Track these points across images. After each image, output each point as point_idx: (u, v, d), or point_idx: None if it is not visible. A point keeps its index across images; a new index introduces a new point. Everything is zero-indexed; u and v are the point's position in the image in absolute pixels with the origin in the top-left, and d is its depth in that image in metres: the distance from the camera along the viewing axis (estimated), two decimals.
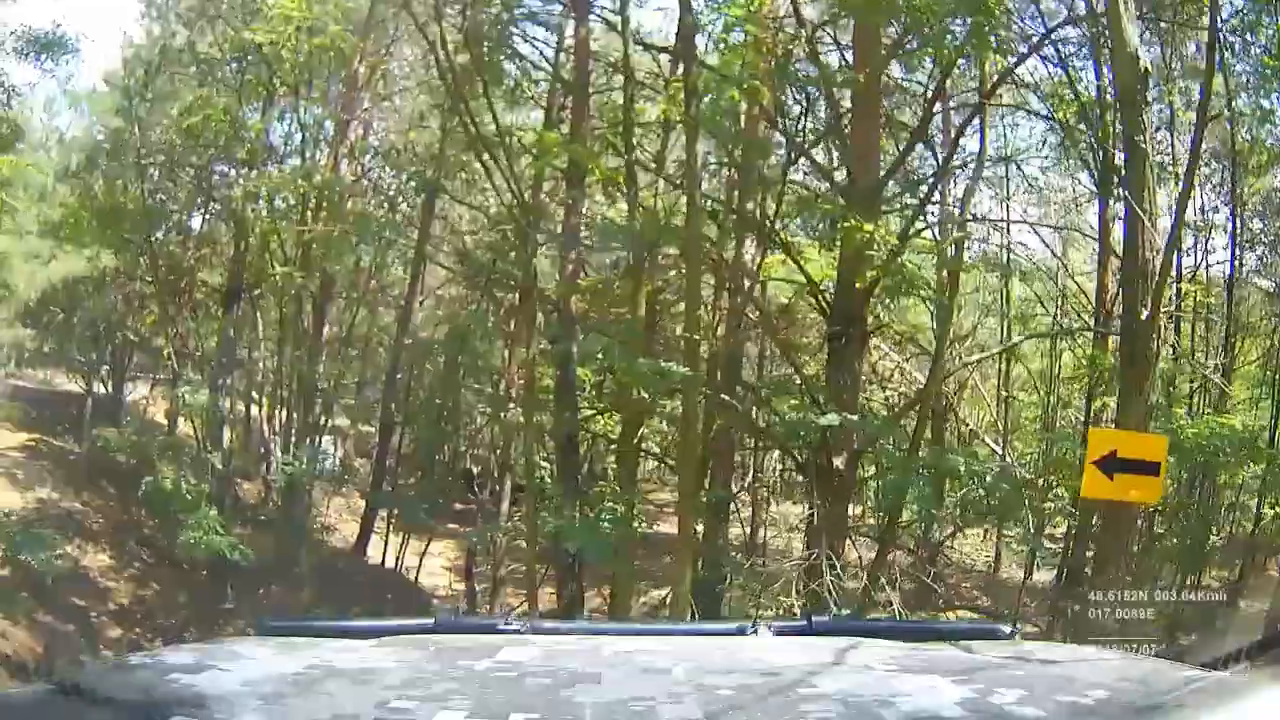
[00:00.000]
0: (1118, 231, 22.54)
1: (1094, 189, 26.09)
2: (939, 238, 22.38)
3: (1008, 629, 4.56)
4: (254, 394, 32.26)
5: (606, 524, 19.91)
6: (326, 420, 30.10)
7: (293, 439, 28.63)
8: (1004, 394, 31.98)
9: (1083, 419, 26.97)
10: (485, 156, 23.11)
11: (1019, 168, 28.30)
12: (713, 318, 23.35)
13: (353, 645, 3.78)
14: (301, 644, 3.84)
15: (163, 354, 30.25)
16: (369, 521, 32.00)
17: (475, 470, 35.02)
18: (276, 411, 31.22)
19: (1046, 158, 28.45)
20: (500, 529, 29.67)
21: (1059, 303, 31.25)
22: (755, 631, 4.26)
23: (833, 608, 17.37)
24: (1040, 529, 24.09)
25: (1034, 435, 32.21)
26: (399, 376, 31.96)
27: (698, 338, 20.10)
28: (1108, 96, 22.80)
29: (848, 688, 3.26)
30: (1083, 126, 24.50)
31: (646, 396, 21.80)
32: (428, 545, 32.14)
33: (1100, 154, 23.53)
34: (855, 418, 19.74)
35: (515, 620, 4.36)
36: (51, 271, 31.85)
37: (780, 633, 4.27)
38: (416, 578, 31.60)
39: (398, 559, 31.71)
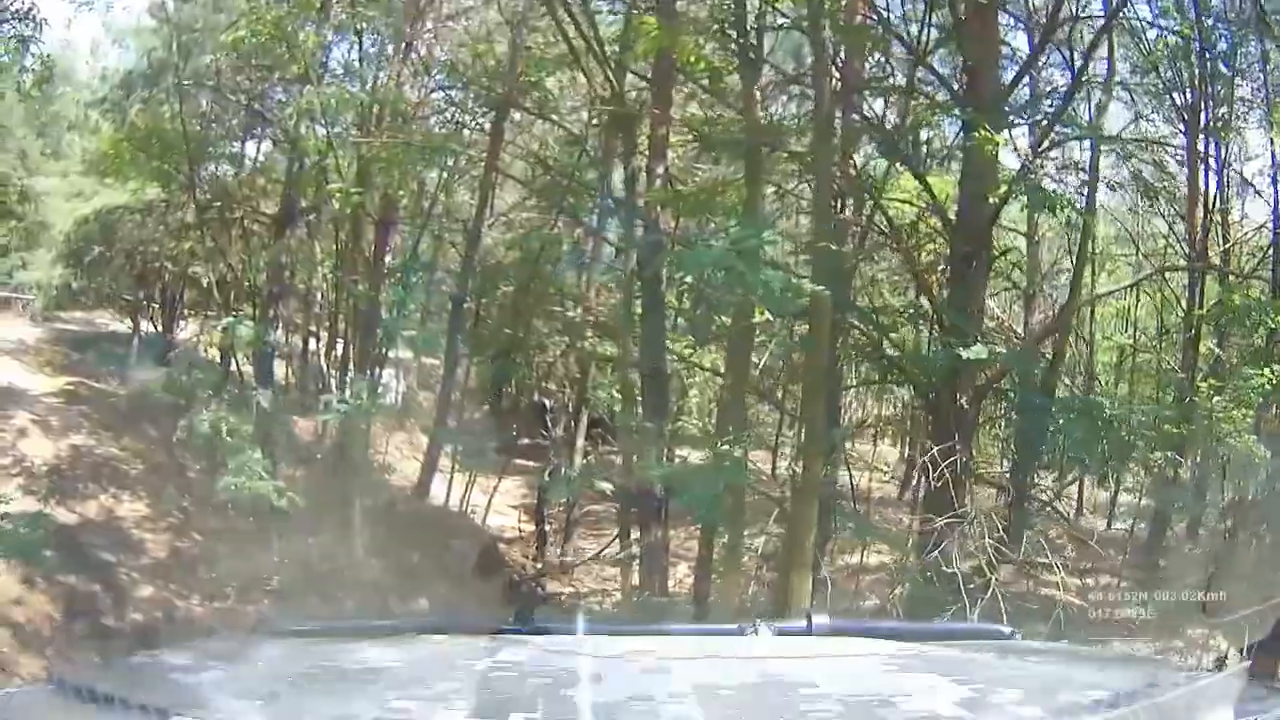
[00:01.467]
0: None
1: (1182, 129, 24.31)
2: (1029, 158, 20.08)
3: (1007, 630, 4.59)
4: (311, 326, 29.90)
5: (715, 470, 16.97)
6: (388, 352, 26.77)
7: (351, 372, 25.31)
8: (1090, 335, 29.09)
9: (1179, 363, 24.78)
10: (571, 60, 21.46)
11: (1130, 93, 25.29)
12: None
13: (353, 645, 3.71)
14: (302, 644, 3.81)
15: (211, 286, 27.32)
16: (432, 459, 28.11)
17: (548, 404, 31.57)
18: (335, 344, 28.57)
19: (1158, 82, 25.02)
20: (573, 473, 26.91)
21: (1143, 242, 28.40)
22: (755, 632, 4.10)
23: (957, 563, 16.27)
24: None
25: (1109, 377, 30.73)
26: (466, 305, 28.12)
27: (833, 245, 17.78)
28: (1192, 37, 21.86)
29: (848, 688, 3.20)
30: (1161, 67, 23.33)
31: (770, 319, 19.35)
32: (498, 484, 28.91)
33: (1193, 90, 23.03)
34: (1001, 349, 18.11)
35: (515, 620, 4.24)
36: (93, 207, 29.23)
37: (780, 633, 4.13)
38: (485, 519, 28.33)
39: (463, 499, 28.11)
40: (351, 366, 25.79)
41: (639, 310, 21.64)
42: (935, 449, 17.57)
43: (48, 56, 24.30)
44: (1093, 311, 28.39)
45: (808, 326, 17.75)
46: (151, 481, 23.87)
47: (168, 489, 23.74)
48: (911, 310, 22.11)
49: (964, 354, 16.76)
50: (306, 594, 20.39)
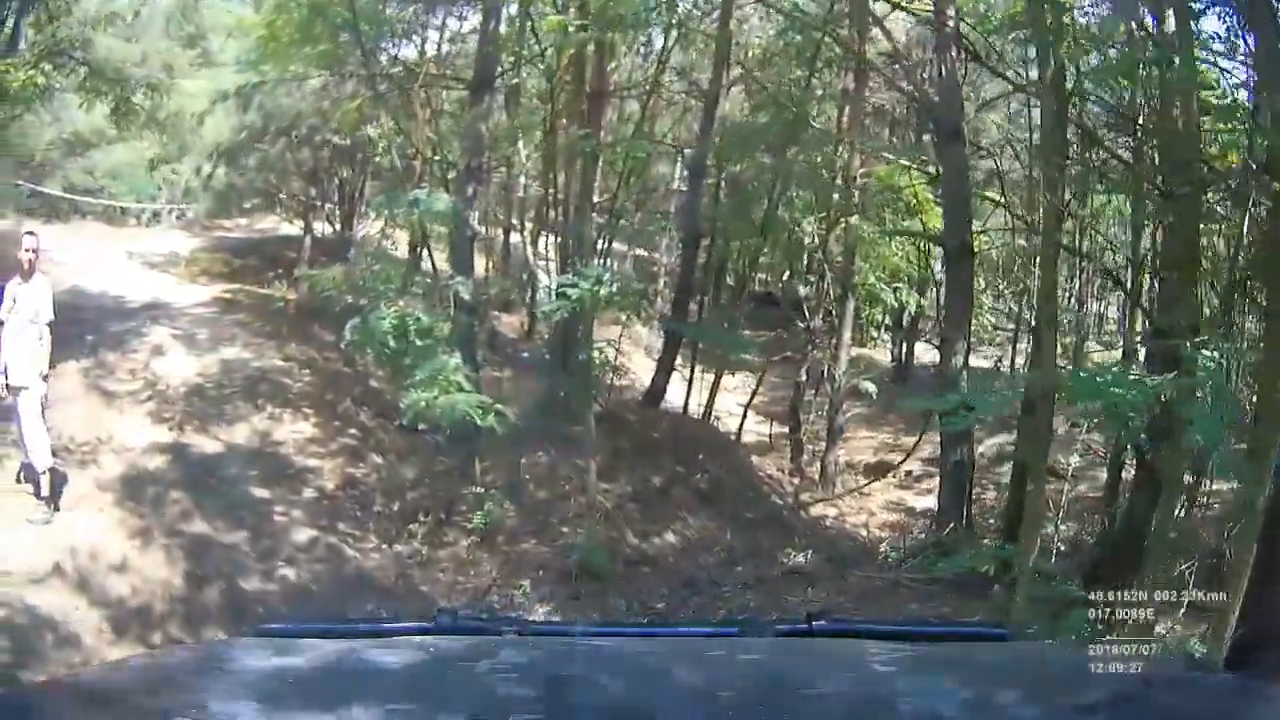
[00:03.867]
0: None
1: None
2: None
3: (1007, 630, 4.53)
4: (513, 214, 26.07)
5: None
6: (608, 239, 22.41)
7: (570, 260, 20.26)
8: None
9: None
10: None
11: None
12: None
13: (352, 646, 3.27)
14: (301, 645, 3.28)
15: (396, 172, 22.81)
16: (668, 358, 23.08)
17: (804, 292, 26.40)
18: (540, 232, 24.23)
19: None
20: (838, 370, 22.55)
21: None
22: (755, 632, 3.83)
23: None
24: None
25: None
26: (704, 181, 23.10)
27: None
28: None
29: (848, 689, 2.98)
30: None
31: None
32: (759, 387, 23.96)
33: None
34: None
35: (516, 622, 3.93)
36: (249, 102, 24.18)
37: (781, 633, 3.79)
38: (740, 431, 23.10)
39: (708, 405, 22.78)
40: (569, 254, 20.88)
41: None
42: None
43: None
44: None
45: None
46: (321, 397, 19.24)
47: (341, 405, 19.13)
48: None
49: None
50: (521, 532, 15.86)
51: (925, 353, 29.05)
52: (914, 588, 14.92)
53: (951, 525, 16.13)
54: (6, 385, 12.72)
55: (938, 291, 26.22)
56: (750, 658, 3.25)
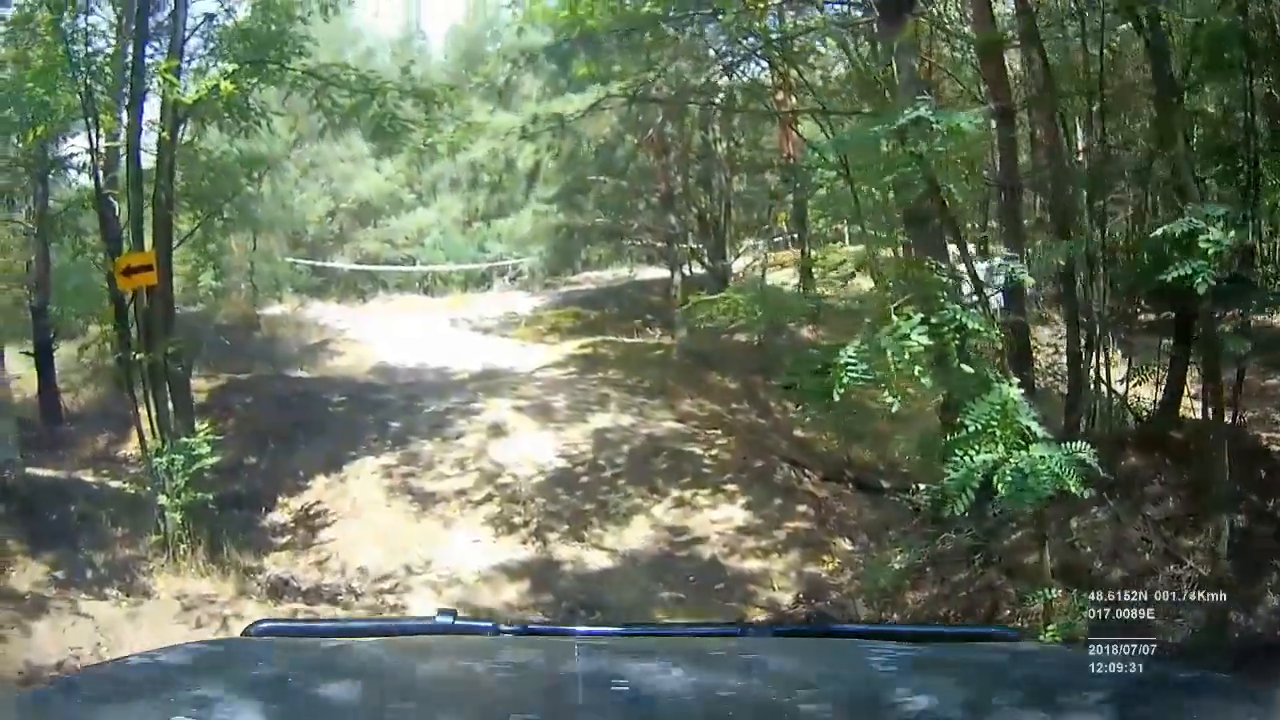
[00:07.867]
0: None
1: None
2: None
3: (1009, 631, 4.70)
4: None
5: None
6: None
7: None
8: None
9: None
10: None
11: None
12: None
13: (352, 646, 3.43)
14: (301, 645, 3.50)
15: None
16: (1184, 351, 15.70)
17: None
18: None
19: None
20: None
21: None
22: (755, 632, 4.00)
23: None
24: None
25: None
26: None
27: None
28: None
29: (848, 689, 2.96)
30: None
31: None
32: None
33: None
34: None
35: (516, 622, 4.46)
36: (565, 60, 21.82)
37: (781, 633, 3.95)
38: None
39: (1236, 413, 15.36)
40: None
41: None
42: None
43: None
44: None
45: None
46: (745, 464, 14.77)
47: (776, 473, 14.55)
48: None
49: None
50: (1096, 634, 9.20)
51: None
52: None
53: None
54: None
55: None
56: (750, 658, 3.22)
